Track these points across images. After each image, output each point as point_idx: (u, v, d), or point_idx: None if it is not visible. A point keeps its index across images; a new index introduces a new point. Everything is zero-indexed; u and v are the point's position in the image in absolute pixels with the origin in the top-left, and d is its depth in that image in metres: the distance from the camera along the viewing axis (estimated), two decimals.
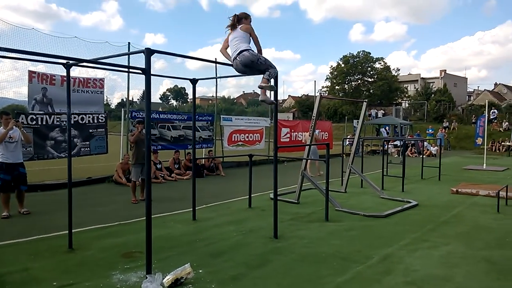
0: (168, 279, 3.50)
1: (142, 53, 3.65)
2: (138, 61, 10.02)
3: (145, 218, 5.80)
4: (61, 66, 4.43)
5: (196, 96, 6.42)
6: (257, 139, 14.88)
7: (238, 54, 4.45)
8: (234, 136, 13.94)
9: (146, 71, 3.62)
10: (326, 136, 18.20)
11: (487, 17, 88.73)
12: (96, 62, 4.14)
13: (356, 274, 3.83)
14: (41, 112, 8.81)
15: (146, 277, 3.51)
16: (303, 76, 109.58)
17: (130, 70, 5.08)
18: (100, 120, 10.04)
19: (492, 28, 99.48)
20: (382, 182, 9.06)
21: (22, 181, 6.30)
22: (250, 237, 5.12)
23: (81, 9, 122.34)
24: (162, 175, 10.37)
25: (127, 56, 8.83)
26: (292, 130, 16.58)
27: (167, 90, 75.28)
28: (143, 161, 7.34)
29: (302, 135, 16.95)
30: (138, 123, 7.75)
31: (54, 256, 4.33)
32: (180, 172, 11.01)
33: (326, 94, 38.03)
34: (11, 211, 6.22)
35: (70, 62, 4.33)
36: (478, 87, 53.89)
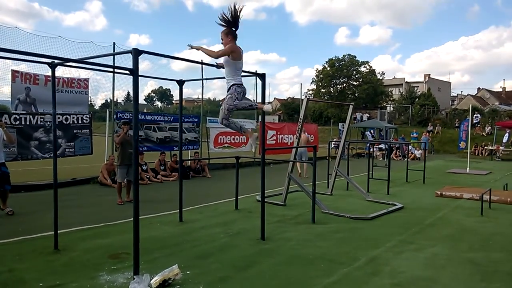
0: (156, 280, 3.46)
1: (129, 54, 3.61)
2: (123, 61, 9.92)
3: (130, 219, 5.77)
4: (45, 65, 4.35)
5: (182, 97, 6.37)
6: (243, 141, 14.87)
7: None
8: (220, 138, 13.92)
9: (134, 72, 3.58)
10: (312, 139, 18.34)
11: (471, 22, 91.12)
12: (82, 61, 4.07)
13: (344, 275, 3.86)
14: (25, 112, 8.62)
15: (134, 278, 3.47)
16: (288, 79, 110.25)
17: (117, 70, 5.01)
18: (84, 121, 9.88)
19: (475, 33, 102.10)
20: (367, 185, 9.17)
21: (5, 181, 6.18)
22: (237, 239, 5.11)
23: (64, 8, 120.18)
24: (148, 176, 10.26)
25: (112, 56, 8.71)
26: (278, 133, 16.63)
27: (152, 91, 74.79)
28: (129, 162, 7.27)
29: (288, 137, 17.05)
30: (124, 124, 7.65)
31: (39, 257, 4.25)
32: (165, 174, 10.91)
33: (312, 97, 38.29)
34: None
35: (56, 61, 4.25)
36: (461, 91, 55.23)
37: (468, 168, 13.78)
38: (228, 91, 4.43)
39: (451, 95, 52.24)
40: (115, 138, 7.44)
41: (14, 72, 8.49)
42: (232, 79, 4.42)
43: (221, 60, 4.49)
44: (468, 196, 8.10)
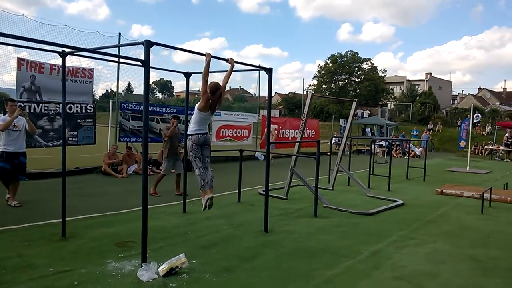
0: (163, 268, 3.53)
1: (141, 45, 3.64)
2: (124, 52, 9.92)
3: (134, 209, 5.92)
4: (48, 54, 4.38)
5: (182, 90, 6.50)
6: (245, 134, 14.91)
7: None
8: (223, 131, 13.95)
9: (146, 63, 3.62)
10: (313, 134, 18.39)
11: (474, 22, 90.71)
12: (93, 51, 4.10)
13: (346, 268, 3.94)
14: (30, 100, 8.64)
15: (142, 266, 3.54)
16: (290, 74, 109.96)
17: (127, 61, 5.04)
18: (88, 110, 9.91)
19: (478, 34, 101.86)
20: (368, 180, 9.24)
21: (21, 171, 6.07)
22: (240, 231, 5.18)
23: None
24: (150, 167, 10.32)
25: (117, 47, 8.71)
26: (280, 127, 16.66)
27: (152, 82, 74.50)
28: (176, 156, 7.39)
29: (289, 132, 17.08)
30: (173, 117, 7.76)
31: (47, 244, 4.32)
32: None
33: (311, 93, 38.25)
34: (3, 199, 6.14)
35: (66, 50, 4.27)
36: (462, 91, 55.27)
37: (468, 167, 13.86)
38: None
39: (452, 94, 52.30)
40: (165, 131, 7.47)
41: (19, 60, 8.50)
42: (191, 126, 4.70)
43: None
44: (468, 194, 8.18)
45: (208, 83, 4.50)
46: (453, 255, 4.47)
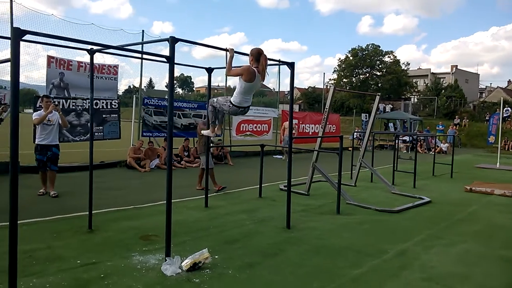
0: (187, 262, 3.55)
1: (163, 41, 3.66)
2: (145, 49, 10.02)
3: (157, 203, 6.00)
4: (76, 51, 4.44)
5: (202, 85, 6.50)
6: (265, 129, 14.87)
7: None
8: (243, 126, 13.95)
9: (171, 59, 3.62)
10: (334, 129, 18.15)
11: (502, 12, 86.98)
12: (121, 48, 4.13)
13: (372, 267, 3.85)
14: (58, 96, 8.90)
15: (166, 260, 3.57)
16: (309, 68, 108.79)
17: (154, 58, 5.07)
18: (113, 106, 10.10)
19: (507, 24, 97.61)
20: (392, 177, 9.03)
21: (53, 161, 6.41)
22: (262, 226, 5.16)
23: None
24: (173, 161, 10.43)
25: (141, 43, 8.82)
26: (301, 122, 16.53)
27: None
28: (209, 151, 7.33)
29: (310, 127, 16.91)
30: None
31: (75, 236, 4.43)
32: (189, 160, 11.06)
33: (333, 87, 37.77)
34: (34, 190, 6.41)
35: (94, 48, 4.33)
36: (490, 84, 53.34)
37: (498, 163, 13.36)
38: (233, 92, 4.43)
39: (480, 87, 50.41)
40: (201, 126, 7.53)
41: (49, 58, 8.75)
42: (238, 94, 4.35)
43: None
44: (499, 192, 7.87)
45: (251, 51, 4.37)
46: (485, 256, 4.30)
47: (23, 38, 2.70)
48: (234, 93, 4.39)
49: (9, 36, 2.73)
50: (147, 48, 10.04)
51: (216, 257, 3.88)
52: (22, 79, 9.50)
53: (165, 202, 3.72)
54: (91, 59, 4.44)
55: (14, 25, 8.04)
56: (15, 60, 2.64)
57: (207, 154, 6.52)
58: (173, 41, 3.62)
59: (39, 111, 6.43)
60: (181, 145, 11.25)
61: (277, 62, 5.69)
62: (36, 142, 6.40)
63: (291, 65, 5.10)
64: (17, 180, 2.68)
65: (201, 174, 7.43)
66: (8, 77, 8.23)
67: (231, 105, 4.41)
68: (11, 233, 2.68)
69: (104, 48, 3.94)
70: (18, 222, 2.75)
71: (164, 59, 3.74)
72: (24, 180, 6.33)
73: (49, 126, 6.28)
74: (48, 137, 6.30)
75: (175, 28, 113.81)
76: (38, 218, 5.05)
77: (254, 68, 4.31)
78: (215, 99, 4.66)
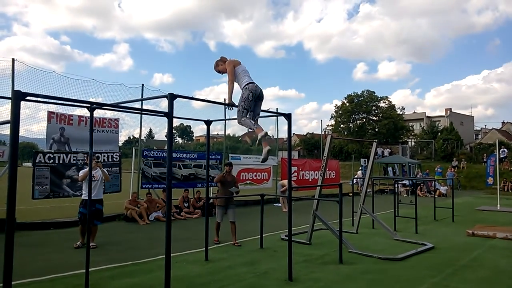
0: None
1: (161, 95, 3.84)
2: (145, 101, 10.36)
3: (156, 257, 5.90)
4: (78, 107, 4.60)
5: (200, 134, 6.68)
6: (265, 177, 14.89)
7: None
8: (243, 175, 13.97)
9: (169, 115, 3.77)
10: (333, 175, 18.16)
11: (493, 56, 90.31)
12: (119, 106, 4.31)
13: None
14: (59, 151, 9.02)
15: None
16: (306, 115, 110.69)
17: (153, 113, 5.27)
18: (114, 159, 10.20)
19: (498, 67, 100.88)
20: (394, 223, 8.94)
21: (96, 216, 6.73)
22: (264, 279, 5.04)
23: (94, 51, 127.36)
24: (172, 213, 10.34)
25: (142, 95, 9.13)
26: (300, 169, 16.57)
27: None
28: (227, 202, 7.34)
29: (309, 174, 16.93)
30: (226, 165, 7.87)
31: None
32: (189, 211, 10.97)
33: (331, 133, 38.32)
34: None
35: (94, 105, 4.51)
36: (485, 125, 54.10)
37: (498, 205, 13.26)
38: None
39: (475, 129, 51.24)
40: (218, 177, 7.64)
41: (50, 114, 8.98)
42: (243, 83, 4.70)
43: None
44: (502, 236, 7.77)
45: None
46: None
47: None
48: (240, 85, 4.72)
49: (10, 96, 2.79)
50: (146, 101, 10.34)
51: None
52: (21, 132, 9.62)
53: (164, 256, 3.68)
54: (91, 115, 4.59)
55: (15, 80, 8.35)
56: (15, 121, 2.67)
57: (206, 203, 6.50)
58: (171, 97, 3.79)
59: (84, 169, 7.02)
60: (181, 196, 11.22)
61: (275, 114, 5.89)
62: (82, 197, 6.91)
63: (288, 117, 5.29)
64: (12, 239, 2.60)
65: (217, 227, 7.36)
66: (7, 131, 8.46)
67: (247, 87, 4.60)
68: None
69: (103, 105, 4.12)
70: (13, 283, 2.69)
71: (162, 115, 3.88)
72: (19, 238, 6.24)
73: (93, 182, 6.51)
74: (93, 192, 6.41)
75: (175, 79, 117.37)
76: (32, 279, 4.90)
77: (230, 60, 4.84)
78: (241, 110, 4.62)
